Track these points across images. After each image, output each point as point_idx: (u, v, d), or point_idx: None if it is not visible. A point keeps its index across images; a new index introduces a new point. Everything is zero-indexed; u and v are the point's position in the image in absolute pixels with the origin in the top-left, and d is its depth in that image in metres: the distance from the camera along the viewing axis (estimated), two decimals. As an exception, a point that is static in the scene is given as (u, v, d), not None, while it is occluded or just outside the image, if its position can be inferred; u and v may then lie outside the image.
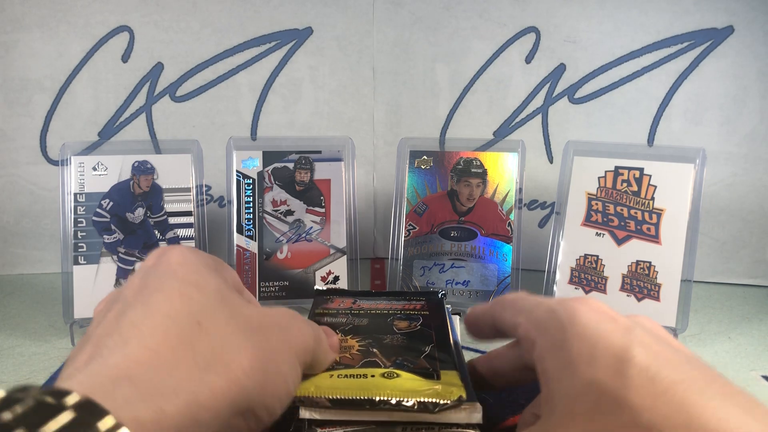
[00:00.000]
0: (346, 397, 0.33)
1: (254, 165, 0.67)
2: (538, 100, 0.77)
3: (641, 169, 0.63)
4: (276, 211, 0.67)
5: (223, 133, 0.77)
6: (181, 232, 0.66)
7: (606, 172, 0.64)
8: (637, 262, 0.62)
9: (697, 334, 0.65)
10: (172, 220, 0.66)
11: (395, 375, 0.35)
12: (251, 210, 0.67)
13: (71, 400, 0.19)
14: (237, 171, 0.67)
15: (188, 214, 0.67)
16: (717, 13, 0.72)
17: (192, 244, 0.66)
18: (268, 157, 0.67)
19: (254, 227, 0.67)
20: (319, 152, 0.67)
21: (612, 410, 0.24)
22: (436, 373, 0.36)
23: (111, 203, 0.65)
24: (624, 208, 0.63)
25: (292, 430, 0.34)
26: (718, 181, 0.76)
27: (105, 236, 0.65)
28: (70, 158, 0.66)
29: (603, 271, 0.63)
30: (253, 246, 0.66)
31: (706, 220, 0.76)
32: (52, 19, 0.72)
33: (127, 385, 0.22)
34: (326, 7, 0.75)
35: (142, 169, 0.66)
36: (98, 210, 0.65)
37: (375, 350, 0.39)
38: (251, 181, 0.67)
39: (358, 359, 0.38)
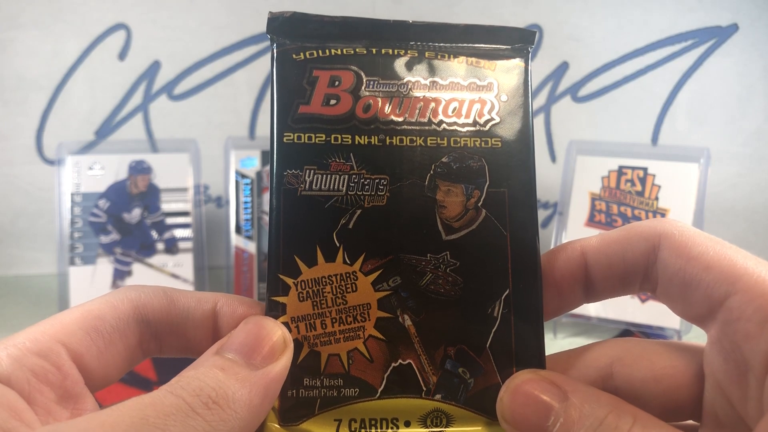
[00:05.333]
0: None
1: (253, 165, 0.66)
2: (541, 99, 0.76)
3: (645, 169, 0.62)
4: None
5: (221, 132, 0.76)
6: (179, 232, 0.65)
7: (609, 171, 0.64)
8: (642, 263, 0.61)
9: (701, 336, 0.64)
10: (170, 221, 0.65)
11: (442, 419, 0.23)
12: (250, 210, 0.66)
13: None
14: (235, 171, 0.66)
15: (186, 214, 0.66)
16: (721, 11, 0.71)
17: (190, 244, 0.66)
18: (267, 157, 0.66)
19: (253, 228, 0.66)
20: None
21: None
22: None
23: (108, 203, 0.64)
24: (628, 208, 0.63)
25: None
26: (722, 181, 0.75)
27: (101, 237, 0.64)
28: (66, 158, 0.65)
29: (606, 273, 0.62)
30: (251, 247, 0.66)
31: (710, 221, 0.75)
32: (48, 17, 0.71)
33: None
34: (326, 4, 0.74)
35: (139, 169, 0.65)
36: (94, 210, 0.64)
37: (408, 321, 0.23)
38: (250, 181, 0.66)
39: (380, 360, 0.23)
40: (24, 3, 0.71)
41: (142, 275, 0.64)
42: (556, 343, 0.61)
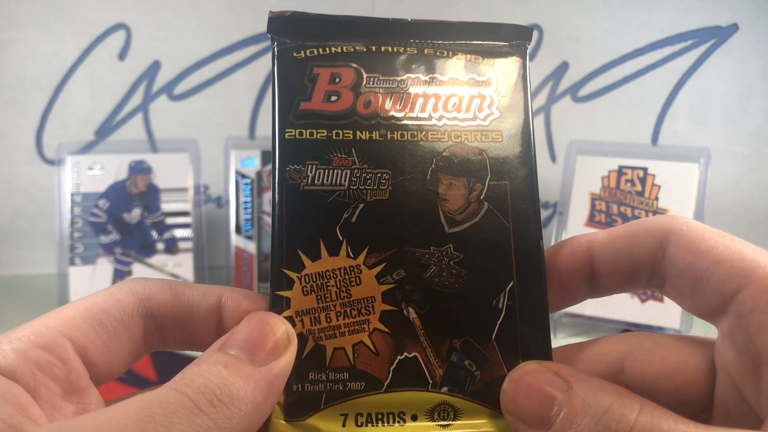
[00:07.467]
0: None
1: (253, 164, 0.66)
2: (541, 99, 0.76)
3: (645, 169, 0.62)
4: (275, 211, 0.66)
5: (221, 132, 0.76)
6: (179, 232, 0.65)
7: (609, 171, 0.64)
8: (642, 263, 0.61)
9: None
10: (170, 221, 0.65)
11: (449, 412, 0.22)
12: (250, 210, 0.66)
13: None
14: (235, 171, 0.66)
15: (186, 214, 0.66)
16: (721, 11, 0.71)
17: (190, 244, 0.65)
18: (267, 157, 0.66)
19: (253, 228, 0.66)
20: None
21: None
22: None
23: (107, 203, 0.64)
24: (628, 208, 0.63)
25: None
26: (722, 181, 0.75)
27: (101, 237, 0.64)
28: (66, 158, 0.65)
29: (607, 272, 0.62)
30: (251, 247, 0.65)
31: (710, 221, 0.75)
32: (48, 17, 0.71)
33: None
34: (325, 5, 0.74)
35: (139, 169, 0.65)
36: (94, 210, 0.64)
37: (412, 314, 0.23)
38: (250, 181, 0.66)
39: (385, 353, 0.23)
40: (24, 3, 0.71)
41: (142, 275, 0.64)
42: (555, 342, 0.61)
